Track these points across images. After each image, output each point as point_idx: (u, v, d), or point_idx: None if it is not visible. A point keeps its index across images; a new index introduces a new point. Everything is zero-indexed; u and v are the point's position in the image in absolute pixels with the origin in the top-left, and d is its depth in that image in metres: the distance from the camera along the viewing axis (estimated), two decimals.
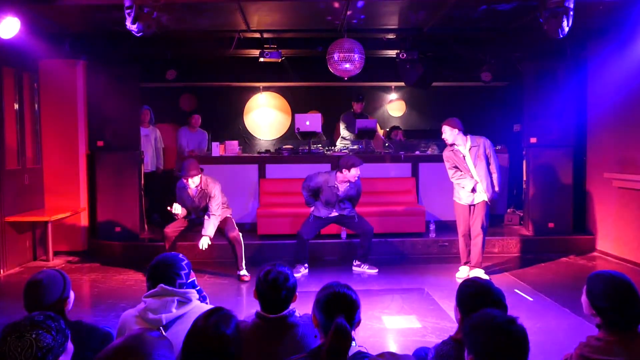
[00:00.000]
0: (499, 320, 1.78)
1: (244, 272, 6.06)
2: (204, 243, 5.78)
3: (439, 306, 4.98)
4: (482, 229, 5.79)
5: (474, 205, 5.84)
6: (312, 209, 6.28)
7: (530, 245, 7.13)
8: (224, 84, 9.90)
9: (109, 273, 6.33)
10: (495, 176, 5.79)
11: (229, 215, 6.10)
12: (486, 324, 1.78)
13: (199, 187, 5.83)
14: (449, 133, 5.74)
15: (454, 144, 5.76)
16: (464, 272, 6.00)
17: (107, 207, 7.36)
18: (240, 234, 6.09)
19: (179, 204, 5.90)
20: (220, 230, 5.99)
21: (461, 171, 5.80)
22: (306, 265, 6.30)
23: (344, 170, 5.94)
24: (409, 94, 10.40)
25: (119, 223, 7.31)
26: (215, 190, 5.85)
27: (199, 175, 5.79)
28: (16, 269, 6.52)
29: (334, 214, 6.19)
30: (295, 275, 6.08)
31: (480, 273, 5.81)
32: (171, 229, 5.99)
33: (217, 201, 5.83)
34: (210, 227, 5.79)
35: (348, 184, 6.05)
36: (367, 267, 6.31)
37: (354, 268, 6.35)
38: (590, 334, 2.32)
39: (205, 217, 5.83)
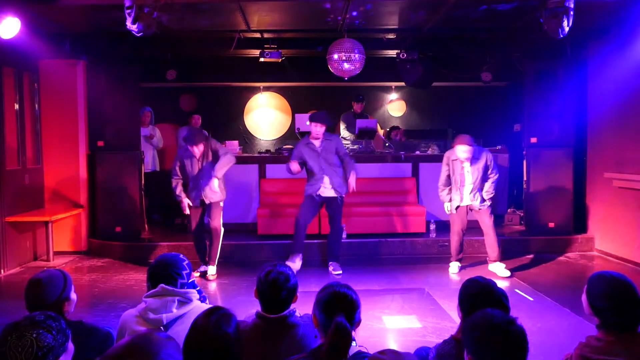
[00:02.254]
0: (497, 320, 1.78)
1: (212, 269, 6.00)
2: (214, 184, 5.82)
3: (439, 306, 4.98)
4: (491, 227, 6.01)
5: (469, 207, 6.03)
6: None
7: (531, 245, 7.12)
8: (224, 84, 9.90)
9: (109, 273, 6.33)
10: (490, 181, 5.95)
11: (219, 202, 5.99)
12: (484, 324, 1.78)
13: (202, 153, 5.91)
14: (469, 151, 5.79)
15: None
16: (454, 268, 6.19)
17: (107, 207, 7.37)
18: (222, 229, 6.04)
19: (181, 172, 5.94)
20: (203, 215, 6.02)
21: (449, 180, 6.03)
22: (301, 256, 6.14)
23: (311, 124, 6.07)
24: (409, 94, 10.40)
25: (119, 223, 7.31)
26: (214, 143, 5.92)
27: (201, 145, 5.86)
28: (17, 269, 6.52)
29: (323, 189, 6.01)
30: (289, 264, 6.09)
31: (501, 267, 6.00)
32: (195, 227, 6.05)
33: (222, 149, 5.91)
34: (220, 169, 5.82)
35: (320, 140, 6.05)
36: (332, 267, 6.19)
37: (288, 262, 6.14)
38: (590, 334, 2.32)
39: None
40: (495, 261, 6.07)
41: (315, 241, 6.95)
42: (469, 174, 5.93)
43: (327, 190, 6.04)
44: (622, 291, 2.23)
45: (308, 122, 6.16)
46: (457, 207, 6.06)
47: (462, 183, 5.96)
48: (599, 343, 2.21)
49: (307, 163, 6.06)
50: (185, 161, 5.94)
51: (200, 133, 5.99)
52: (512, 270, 6.22)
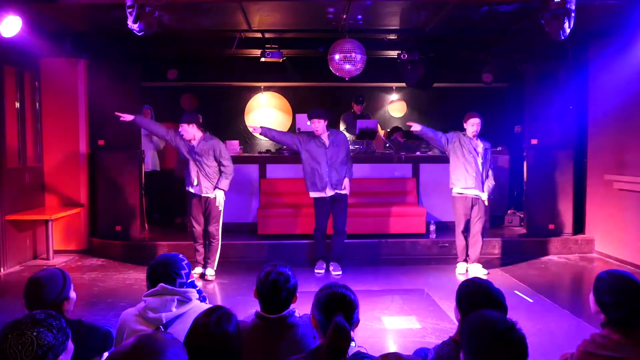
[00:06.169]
0: (498, 327, 1.76)
1: (210, 271, 5.97)
2: (220, 199, 5.85)
3: (438, 307, 4.98)
4: (484, 227, 6.04)
5: (476, 199, 5.96)
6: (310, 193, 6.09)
7: (530, 246, 7.13)
8: (225, 83, 9.90)
9: (108, 272, 6.33)
10: (491, 179, 6.03)
11: (219, 201, 5.93)
12: (485, 330, 1.76)
13: (199, 140, 5.82)
14: (479, 124, 5.95)
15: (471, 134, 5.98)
16: (463, 269, 6.16)
17: (107, 206, 7.37)
18: (220, 233, 6.01)
19: (178, 149, 5.93)
20: (203, 214, 5.96)
21: (457, 157, 5.97)
22: (324, 263, 6.20)
23: (311, 121, 6.05)
24: (410, 94, 10.40)
25: (119, 222, 7.31)
26: (219, 145, 5.87)
27: (194, 126, 5.78)
28: (16, 267, 6.52)
29: (328, 189, 5.97)
30: (316, 271, 6.03)
31: (479, 267, 6.04)
32: (196, 225, 5.98)
33: (225, 156, 5.87)
34: (223, 181, 5.85)
35: (326, 135, 6.06)
36: (332, 268, 6.19)
37: (316, 270, 6.17)
38: (590, 334, 2.32)
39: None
40: (474, 262, 6.09)
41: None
42: (479, 159, 5.90)
43: (329, 188, 6.00)
44: (629, 287, 2.24)
45: (308, 122, 6.15)
46: (463, 197, 5.96)
47: (471, 167, 5.88)
48: (604, 340, 2.22)
49: (309, 158, 6.01)
50: (179, 140, 5.90)
51: (194, 116, 5.98)
52: (512, 272, 6.23)
